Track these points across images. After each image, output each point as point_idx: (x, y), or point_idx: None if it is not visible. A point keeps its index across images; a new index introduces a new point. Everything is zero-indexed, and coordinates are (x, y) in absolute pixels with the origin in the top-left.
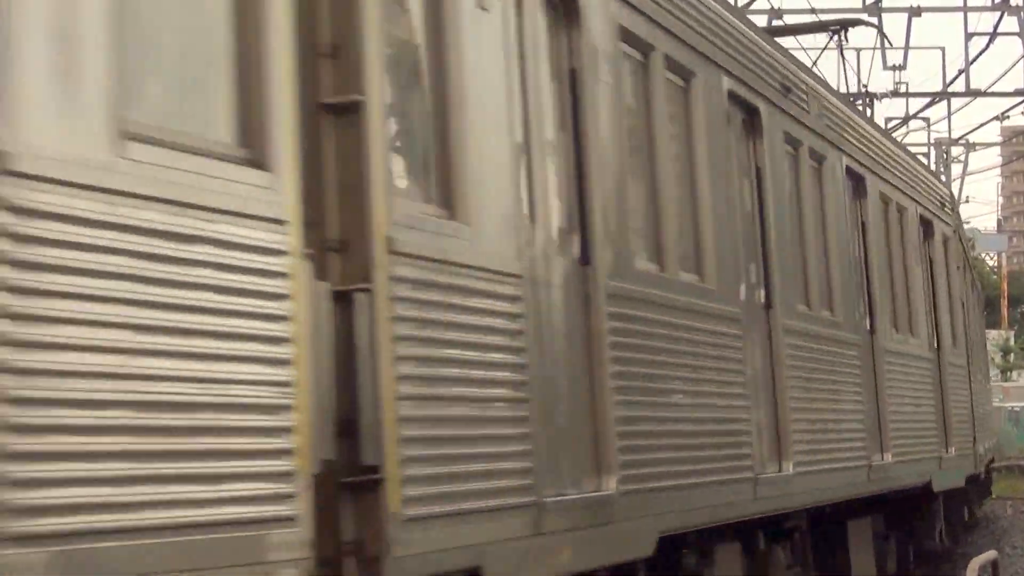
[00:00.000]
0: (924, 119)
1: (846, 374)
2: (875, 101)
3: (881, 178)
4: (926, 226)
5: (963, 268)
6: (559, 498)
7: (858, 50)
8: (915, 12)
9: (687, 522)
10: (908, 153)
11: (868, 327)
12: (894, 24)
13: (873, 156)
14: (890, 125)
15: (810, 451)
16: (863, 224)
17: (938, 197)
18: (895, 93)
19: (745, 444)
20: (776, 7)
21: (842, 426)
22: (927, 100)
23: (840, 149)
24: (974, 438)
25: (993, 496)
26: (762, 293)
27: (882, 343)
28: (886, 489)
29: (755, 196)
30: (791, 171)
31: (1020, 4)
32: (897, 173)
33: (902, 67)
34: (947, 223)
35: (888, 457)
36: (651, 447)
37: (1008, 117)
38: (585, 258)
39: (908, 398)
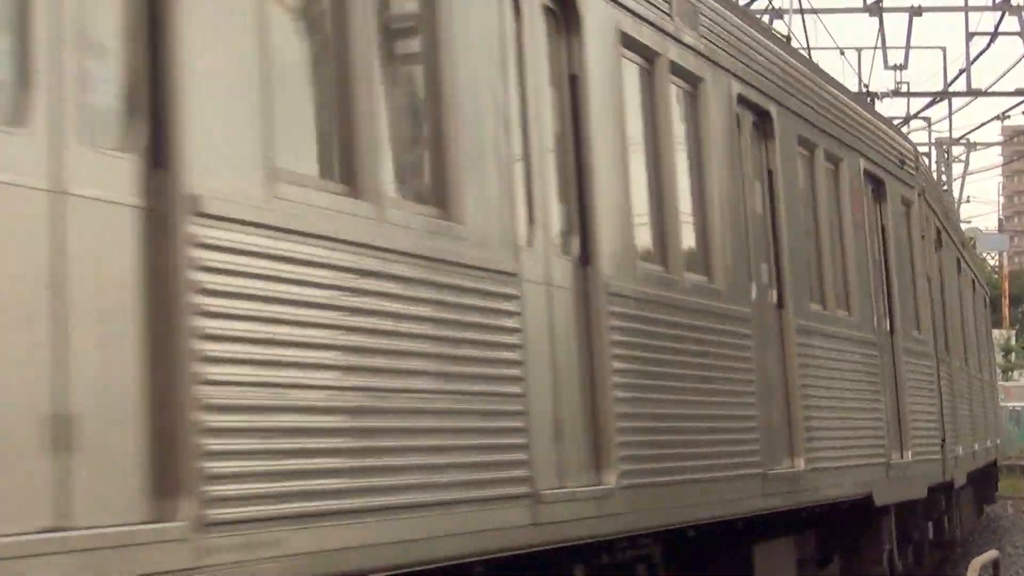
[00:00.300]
0: (925, 119)
1: (728, 356)
2: (876, 100)
3: (800, 117)
4: (876, 185)
5: (937, 241)
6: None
7: (859, 49)
8: (916, 12)
9: (388, 560)
10: (852, 96)
11: (775, 299)
12: (895, 24)
13: (787, 89)
14: None
15: (650, 457)
16: (769, 171)
17: (896, 152)
18: (896, 93)
19: (519, 448)
20: (776, 7)
21: (719, 424)
22: (928, 100)
23: (730, 72)
24: (943, 440)
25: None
26: (577, 245)
27: (794, 320)
28: (794, 504)
29: (571, 116)
30: (642, 91)
31: (1021, 4)
32: (829, 116)
33: (903, 67)
34: (908, 184)
35: (800, 463)
36: (301, 451)
37: (1009, 117)
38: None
39: (835, 389)
